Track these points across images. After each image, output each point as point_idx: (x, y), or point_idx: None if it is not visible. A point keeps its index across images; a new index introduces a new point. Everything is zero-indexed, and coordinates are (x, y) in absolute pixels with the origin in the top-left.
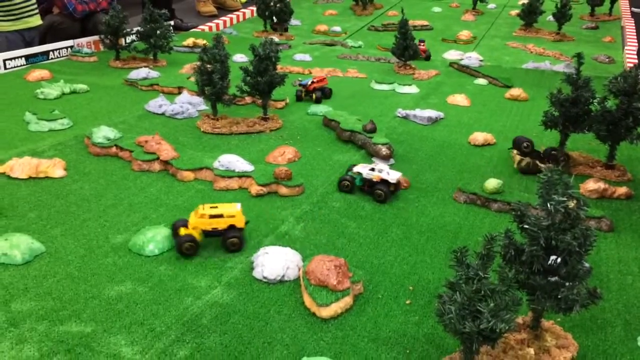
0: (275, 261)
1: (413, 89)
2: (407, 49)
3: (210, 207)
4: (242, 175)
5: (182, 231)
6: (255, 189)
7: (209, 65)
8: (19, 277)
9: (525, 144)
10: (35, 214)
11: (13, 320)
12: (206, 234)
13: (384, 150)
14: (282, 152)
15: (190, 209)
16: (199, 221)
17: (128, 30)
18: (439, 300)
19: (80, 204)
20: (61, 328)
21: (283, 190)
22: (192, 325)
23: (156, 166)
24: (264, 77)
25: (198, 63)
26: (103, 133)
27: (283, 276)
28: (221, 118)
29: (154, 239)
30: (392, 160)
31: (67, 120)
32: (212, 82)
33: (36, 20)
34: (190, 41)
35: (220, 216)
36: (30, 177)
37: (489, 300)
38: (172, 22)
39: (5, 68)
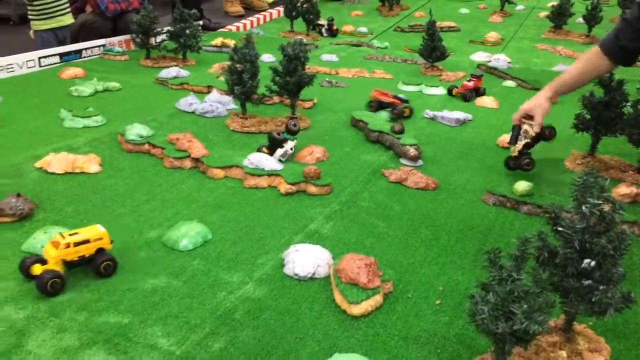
0: (306, 258)
1: (440, 91)
2: (434, 50)
3: (70, 235)
4: (272, 173)
5: (38, 269)
6: (284, 187)
7: (238, 65)
8: None
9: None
10: (72, 208)
11: (54, 310)
12: (70, 264)
13: (412, 152)
14: (310, 151)
15: (221, 205)
16: (62, 252)
17: (158, 29)
18: (471, 301)
19: (115, 199)
20: (99, 319)
21: (312, 189)
22: (226, 319)
23: (187, 163)
24: (293, 77)
25: (228, 63)
26: (136, 130)
27: (314, 273)
28: (250, 117)
29: (188, 234)
30: (420, 162)
31: (100, 118)
32: (241, 82)
33: (68, 19)
34: (218, 41)
35: (87, 241)
36: (66, 172)
37: (522, 302)
38: (201, 22)
39: (40, 66)
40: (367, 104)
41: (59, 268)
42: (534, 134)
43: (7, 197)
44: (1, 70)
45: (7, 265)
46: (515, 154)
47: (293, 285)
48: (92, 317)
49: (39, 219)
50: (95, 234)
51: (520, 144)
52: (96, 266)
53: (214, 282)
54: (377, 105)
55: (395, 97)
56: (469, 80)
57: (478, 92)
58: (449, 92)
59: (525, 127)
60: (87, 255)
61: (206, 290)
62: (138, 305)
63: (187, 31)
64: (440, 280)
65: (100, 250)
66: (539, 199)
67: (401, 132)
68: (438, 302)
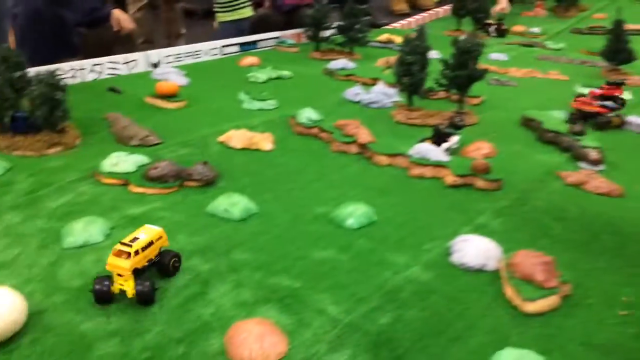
0: (475, 249)
1: (626, 95)
2: (619, 52)
3: (132, 241)
4: (438, 164)
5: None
6: (450, 179)
7: (409, 57)
8: (236, 231)
9: None
10: (249, 180)
11: (233, 267)
12: (138, 272)
13: (594, 155)
14: (477, 147)
15: (385, 191)
16: (134, 261)
17: (329, 24)
18: None
19: (287, 175)
20: (273, 280)
21: (480, 183)
22: (392, 296)
23: (353, 149)
24: (463, 71)
25: (394, 57)
26: (307, 114)
27: (483, 265)
28: (415, 110)
29: (354, 213)
30: (601, 166)
31: (274, 102)
32: (411, 73)
33: (248, 12)
34: (385, 37)
35: (151, 243)
36: (244, 148)
37: None
38: (369, 17)
39: (222, 54)
40: (567, 118)
41: (130, 280)
42: None
43: (195, 165)
44: (189, 56)
45: (195, 222)
46: None
47: (460, 274)
48: (267, 278)
49: (221, 186)
50: (155, 233)
51: None
52: (165, 265)
53: (380, 261)
54: (579, 116)
55: (603, 102)
56: None
57: None
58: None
59: None
60: (153, 258)
61: (372, 268)
62: (308, 272)
63: (356, 26)
64: (625, 291)
65: (163, 251)
66: None
67: (581, 133)
68: (623, 312)
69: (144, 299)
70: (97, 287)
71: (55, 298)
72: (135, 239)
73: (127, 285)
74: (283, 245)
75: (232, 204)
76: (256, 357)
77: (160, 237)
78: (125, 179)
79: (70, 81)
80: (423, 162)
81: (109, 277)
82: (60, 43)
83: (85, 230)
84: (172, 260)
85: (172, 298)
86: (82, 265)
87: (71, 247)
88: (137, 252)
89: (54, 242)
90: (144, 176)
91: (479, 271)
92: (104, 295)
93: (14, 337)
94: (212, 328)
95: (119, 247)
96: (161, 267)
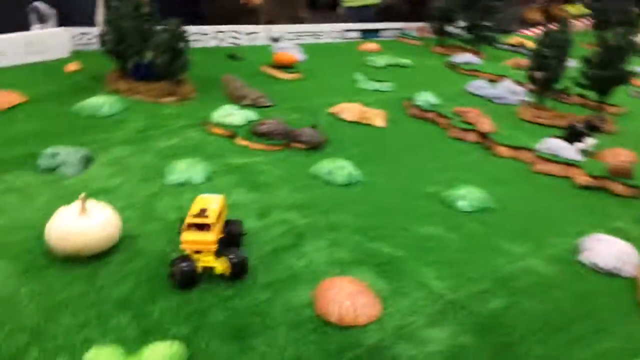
0: (610, 251)
1: None
2: None
3: (202, 213)
4: (569, 162)
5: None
6: (583, 179)
7: (546, 50)
8: (337, 194)
9: None
10: (357, 150)
11: (331, 225)
12: (221, 242)
13: None
14: (615, 153)
15: (504, 181)
16: (216, 232)
17: (456, 18)
18: None
19: (397, 152)
20: (372, 245)
21: (618, 188)
22: (506, 283)
23: (472, 137)
24: (608, 71)
25: (535, 46)
26: (425, 98)
27: (618, 269)
28: (544, 109)
29: (467, 197)
30: None
31: (390, 84)
32: (546, 67)
33: None
34: (516, 40)
35: (221, 213)
36: (355, 121)
37: None
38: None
39: (343, 38)
40: None
41: (212, 256)
42: None
43: (304, 128)
44: (310, 35)
45: (296, 179)
46: None
47: (589, 274)
48: (365, 242)
49: (327, 151)
50: (221, 201)
51: None
52: (236, 236)
53: (494, 247)
54: None
55: None
56: None
57: None
58: None
59: None
60: (224, 228)
61: (483, 252)
62: (413, 244)
63: (488, 24)
64: None
65: (227, 221)
66: None
67: None
68: None
69: (242, 270)
70: (181, 269)
71: (150, 226)
72: (204, 210)
73: (213, 261)
74: (386, 215)
75: (337, 167)
76: (346, 314)
77: (224, 206)
78: (232, 131)
79: (192, 44)
80: (552, 158)
81: (187, 258)
82: (189, 11)
83: (187, 170)
84: (239, 229)
85: (263, 245)
86: (180, 201)
87: (172, 184)
88: (214, 224)
89: (156, 178)
90: (252, 131)
91: (612, 275)
92: (190, 276)
93: (107, 253)
94: (301, 280)
95: (192, 220)
96: (231, 238)
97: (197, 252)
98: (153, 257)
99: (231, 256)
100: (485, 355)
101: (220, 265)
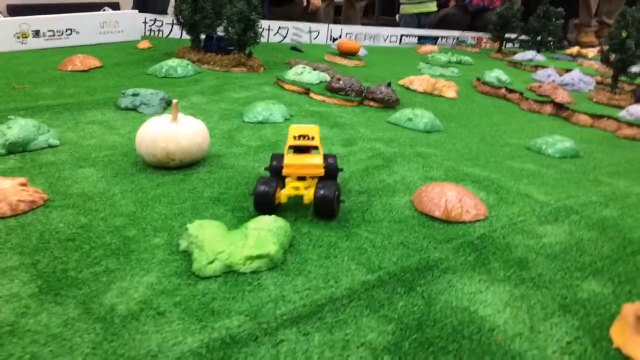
0: None
1: None
2: None
3: (301, 135)
4: None
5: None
6: None
7: (623, 32)
8: (420, 137)
9: None
10: (431, 111)
11: (419, 154)
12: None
13: None
14: None
15: (589, 141)
16: (322, 157)
17: (516, 24)
18: None
19: (472, 116)
20: (465, 169)
21: None
22: (615, 199)
23: (547, 109)
24: None
25: (612, 29)
26: (496, 74)
27: None
28: (620, 93)
29: (556, 145)
30: None
31: (456, 70)
32: (623, 49)
33: (433, 7)
34: (575, 50)
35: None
36: (425, 92)
37: None
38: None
39: (400, 43)
40: None
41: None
42: None
43: (379, 86)
44: (368, 39)
45: (376, 126)
46: None
47: None
48: (459, 167)
49: (399, 107)
50: (316, 129)
51: None
52: (333, 170)
53: (594, 179)
54: None
55: None
56: None
57: None
58: None
59: None
60: None
61: (585, 181)
62: (508, 173)
63: (550, 28)
64: None
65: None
66: None
67: None
68: None
69: (329, 210)
70: (260, 189)
71: (234, 150)
72: (305, 135)
73: (303, 189)
74: (474, 153)
75: (416, 115)
76: (452, 209)
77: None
78: (306, 88)
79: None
80: (638, 123)
81: (275, 180)
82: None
83: (266, 109)
84: (337, 165)
85: (352, 165)
86: (262, 133)
87: (251, 122)
88: (320, 147)
89: (235, 117)
90: (327, 87)
91: None
92: (266, 200)
93: (195, 165)
94: (396, 190)
95: (296, 142)
96: (329, 172)
97: (301, 178)
98: (241, 170)
99: (322, 188)
100: (607, 247)
101: (308, 196)
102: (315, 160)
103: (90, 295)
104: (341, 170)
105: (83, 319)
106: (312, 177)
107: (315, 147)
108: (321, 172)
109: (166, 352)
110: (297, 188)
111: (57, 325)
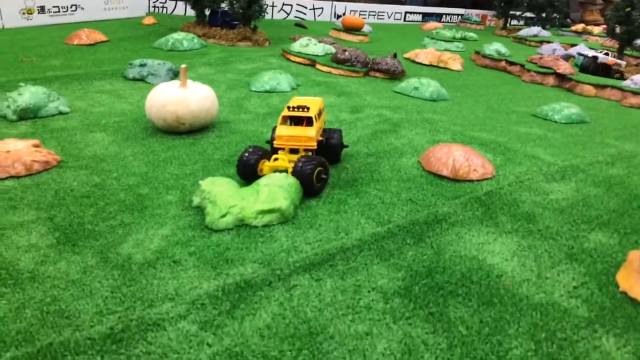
0: None
1: None
2: None
3: (299, 106)
4: None
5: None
6: None
7: (627, 8)
8: (426, 104)
9: None
10: (439, 82)
11: (426, 120)
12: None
13: None
14: None
15: (594, 109)
16: (318, 129)
17: (521, 0)
18: None
19: (478, 86)
20: (472, 133)
21: None
22: (622, 159)
23: (550, 80)
24: None
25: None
26: (495, 47)
27: None
28: (627, 65)
29: (561, 112)
30: None
31: (460, 45)
32: (628, 21)
33: None
34: (580, 27)
35: (320, 114)
36: (431, 64)
37: None
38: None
39: (404, 20)
40: None
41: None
42: None
43: (385, 57)
44: (373, 15)
45: (382, 95)
46: None
47: None
48: (465, 131)
49: (405, 77)
50: (320, 102)
51: None
52: (336, 146)
53: (600, 141)
54: None
55: None
56: None
57: None
58: None
59: None
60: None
61: (591, 144)
62: (515, 137)
63: (555, 3)
64: None
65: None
66: None
67: None
68: None
69: (307, 185)
70: (243, 158)
71: (242, 116)
72: (302, 106)
73: (286, 162)
74: (480, 118)
75: (422, 84)
76: (460, 168)
77: (323, 109)
78: (312, 60)
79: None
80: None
81: (262, 151)
82: None
83: (273, 79)
84: (342, 141)
85: (360, 130)
86: (269, 101)
87: (259, 91)
88: (315, 118)
89: (242, 87)
90: (332, 59)
91: None
92: (248, 169)
93: (204, 130)
94: (404, 152)
95: (290, 113)
96: (330, 148)
97: (294, 151)
98: (250, 134)
99: (304, 162)
100: (613, 202)
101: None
102: (308, 133)
103: (107, 246)
104: (346, 147)
105: (101, 267)
106: (306, 150)
107: (310, 119)
108: (313, 144)
109: (183, 295)
110: (276, 160)
111: (76, 272)
